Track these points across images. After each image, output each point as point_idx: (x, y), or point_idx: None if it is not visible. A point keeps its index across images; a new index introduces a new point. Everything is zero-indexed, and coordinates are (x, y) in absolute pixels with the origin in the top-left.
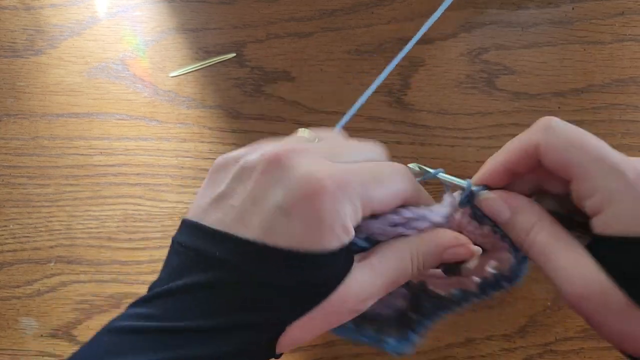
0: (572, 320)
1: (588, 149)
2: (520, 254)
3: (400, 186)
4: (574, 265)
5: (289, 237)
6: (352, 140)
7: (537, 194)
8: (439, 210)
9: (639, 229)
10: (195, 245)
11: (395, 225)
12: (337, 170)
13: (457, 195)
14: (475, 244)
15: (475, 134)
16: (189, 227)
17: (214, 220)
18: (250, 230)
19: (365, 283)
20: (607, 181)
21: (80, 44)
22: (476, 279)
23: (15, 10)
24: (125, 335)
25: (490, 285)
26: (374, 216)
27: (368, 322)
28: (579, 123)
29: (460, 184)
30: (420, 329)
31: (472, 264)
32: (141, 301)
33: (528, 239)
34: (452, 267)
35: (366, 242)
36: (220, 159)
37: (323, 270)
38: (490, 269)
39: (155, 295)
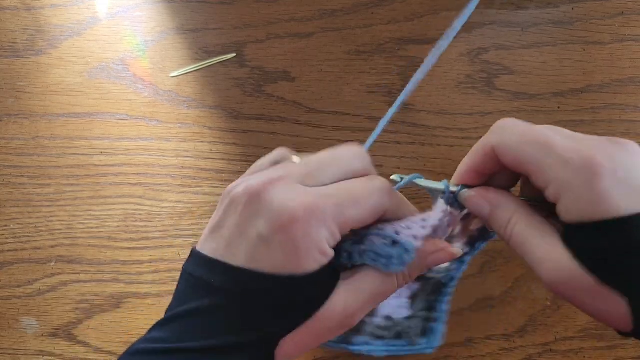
0: (571, 320)
1: (537, 143)
2: None
3: (377, 201)
4: (548, 254)
5: (271, 263)
6: (333, 152)
7: (522, 181)
8: (435, 216)
9: (594, 212)
10: (197, 273)
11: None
12: (310, 197)
13: (440, 199)
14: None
15: (475, 134)
16: (193, 256)
17: (210, 249)
18: (238, 258)
19: (349, 299)
20: (556, 172)
21: (80, 44)
22: (464, 239)
23: (16, 10)
24: (139, 356)
25: (477, 238)
26: (356, 234)
27: (386, 330)
28: (578, 123)
29: (438, 187)
30: (440, 316)
31: (456, 229)
32: (157, 325)
33: (507, 231)
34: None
35: (350, 258)
36: (226, 189)
37: (305, 290)
38: (474, 226)
39: (166, 320)
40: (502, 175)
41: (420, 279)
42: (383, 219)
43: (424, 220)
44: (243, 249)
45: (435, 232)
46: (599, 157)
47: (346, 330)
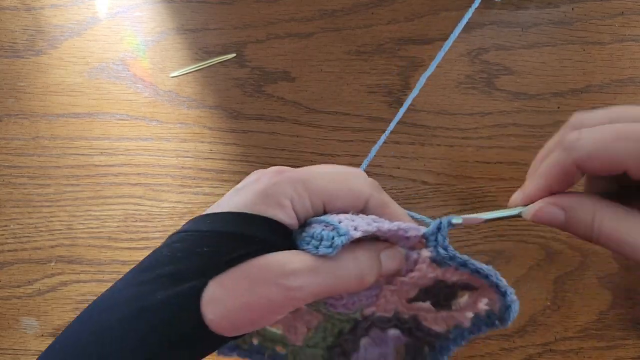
0: (571, 320)
1: (623, 139)
2: (508, 299)
3: (355, 184)
4: None
5: (236, 202)
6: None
7: (587, 180)
8: (407, 227)
9: None
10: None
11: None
12: (294, 170)
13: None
14: (456, 284)
15: (474, 134)
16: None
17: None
18: (220, 208)
19: (293, 258)
20: None
21: (80, 44)
22: (469, 314)
23: (16, 10)
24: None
25: (482, 321)
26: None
27: None
28: None
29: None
30: None
31: (463, 299)
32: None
33: (594, 232)
34: (442, 302)
35: (293, 242)
36: None
37: (252, 230)
38: (483, 305)
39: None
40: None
41: (412, 335)
42: (365, 212)
43: (377, 222)
44: (223, 201)
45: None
46: None
47: (284, 297)
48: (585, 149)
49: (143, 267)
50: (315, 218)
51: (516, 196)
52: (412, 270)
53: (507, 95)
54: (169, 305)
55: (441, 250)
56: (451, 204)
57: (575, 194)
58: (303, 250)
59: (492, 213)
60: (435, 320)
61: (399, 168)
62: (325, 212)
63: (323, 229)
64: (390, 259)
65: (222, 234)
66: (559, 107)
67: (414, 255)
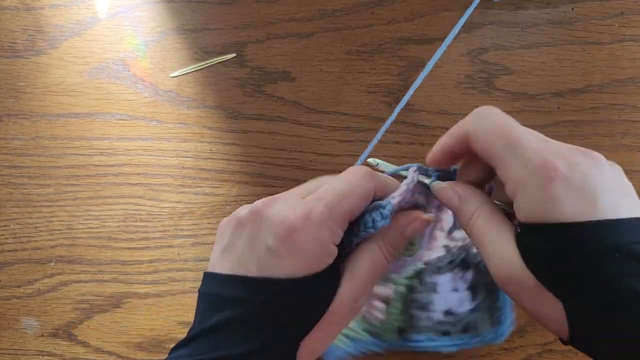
0: None
1: (506, 137)
2: None
3: (363, 188)
4: (498, 251)
5: (282, 270)
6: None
7: (496, 181)
8: (394, 193)
9: (542, 215)
10: (215, 291)
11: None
12: (305, 205)
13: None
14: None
15: None
16: (207, 278)
17: (223, 269)
18: (251, 271)
19: (352, 287)
20: (516, 169)
21: (80, 44)
22: None
23: (16, 10)
24: None
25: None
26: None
27: (451, 326)
28: (578, 123)
29: (408, 174)
30: (503, 304)
31: None
32: (180, 344)
33: (469, 224)
34: None
35: (349, 243)
36: (222, 220)
37: (318, 288)
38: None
39: (189, 339)
40: (476, 167)
41: (471, 266)
42: (376, 199)
43: (398, 195)
44: (255, 262)
45: (405, 201)
46: (558, 162)
47: (356, 314)
48: (478, 126)
49: (230, 344)
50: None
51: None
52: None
53: (506, 95)
54: None
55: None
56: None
57: (473, 189)
58: (357, 252)
59: (401, 170)
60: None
61: None
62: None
63: (369, 213)
64: (412, 230)
65: (299, 307)
66: (558, 107)
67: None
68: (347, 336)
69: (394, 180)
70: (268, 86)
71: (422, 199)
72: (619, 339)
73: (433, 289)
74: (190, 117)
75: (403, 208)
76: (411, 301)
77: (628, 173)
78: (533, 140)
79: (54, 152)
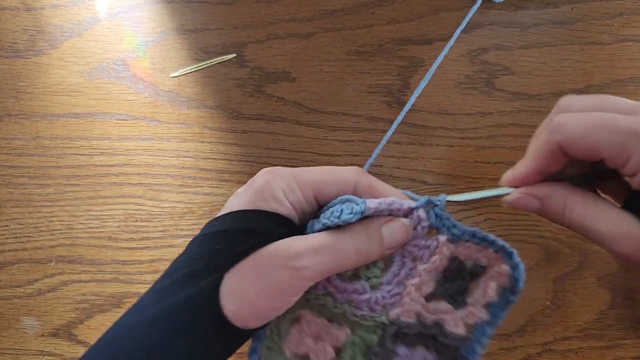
0: (571, 320)
1: (606, 127)
2: (514, 259)
3: (342, 172)
4: (616, 228)
5: (238, 203)
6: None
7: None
8: (380, 199)
9: None
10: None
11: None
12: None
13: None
14: (466, 271)
15: (474, 134)
16: None
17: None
18: (224, 210)
19: (297, 240)
20: (634, 146)
21: (81, 45)
22: (484, 300)
23: (16, 10)
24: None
25: (497, 307)
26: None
27: None
28: None
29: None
30: None
31: (475, 293)
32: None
33: (565, 219)
34: (457, 298)
35: (312, 227)
36: None
37: (256, 224)
38: (493, 290)
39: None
40: (579, 165)
41: (435, 348)
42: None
43: (379, 200)
44: (226, 204)
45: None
46: None
47: (293, 277)
48: (568, 132)
49: (166, 273)
50: (328, 205)
51: (507, 175)
52: (433, 255)
53: (506, 96)
54: (190, 302)
55: (447, 222)
56: (451, 204)
57: (549, 183)
58: (322, 228)
59: (476, 194)
60: (456, 322)
61: (398, 168)
62: (317, 202)
63: (341, 204)
64: (392, 231)
65: (229, 231)
66: None
67: (434, 243)
68: None
69: (396, 192)
70: (268, 86)
71: (418, 243)
72: None
73: (389, 358)
74: (190, 117)
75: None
76: None
77: None
78: (624, 117)
79: (55, 152)
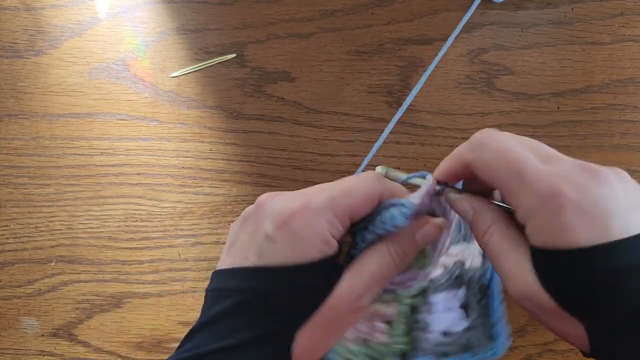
0: None
1: (509, 167)
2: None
3: (369, 187)
4: (516, 270)
5: (277, 258)
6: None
7: None
8: (414, 195)
9: (555, 241)
10: (217, 286)
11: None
12: (304, 196)
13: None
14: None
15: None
16: (213, 276)
17: (227, 263)
18: (249, 260)
19: (353, 282)
20: (524, 198)
21: (81, 45)
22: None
23: (16, 10)
24: None
25: None
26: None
27: (448, 346)
28: (578, 123)
29: (423, 184)
30: (497, 318)
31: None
32: (185, 338)
33: (484, 239)
34: (462, 238)
35: (362, 240)
36: (232, 223)
37: (313, 278)
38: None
39: (192, 331)
40: (481, 183)
41: (462, 283)
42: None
43: (417, 194)
44: (254, 251)
45: (424, 206)
46: (565, 188)
47: (357, 316)
48: (478, 155)
49: (223, 332)
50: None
51: (438, 167)
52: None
53: (506, 96)
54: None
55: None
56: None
57: (488, 202)
58: (367, 251)
59: (413, 179)
60: (471, 257)
61: (398, 168)
62: (350, 224)
63: (386, 209)
64: (425, 235)
65: (292, 294)
66: (558, 107)
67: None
68: None
69: (402, 189)
70: (268, 86)
71: (438, 207)
72: (637, 353)
73: (431, 309)
74: (190, 117)
75: (420, 213)
76: (414, 322)
77: (628, 173)
78: (536, 165)
79: (55, 152)
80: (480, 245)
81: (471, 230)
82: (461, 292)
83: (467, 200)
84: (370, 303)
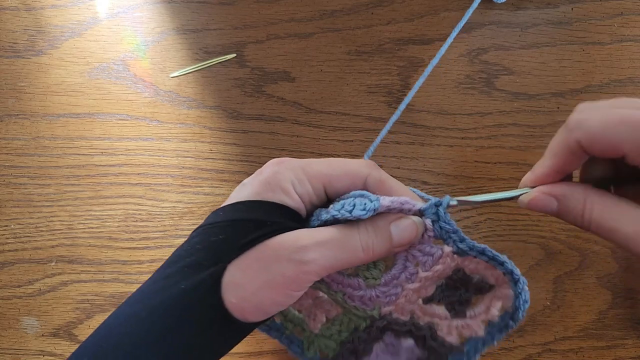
0: (571, 319)
1: (625, 124)
2: (520, 286)
3: (352, 165)
4: (638, 228)
5: (244, 194)
6: None
7: (583, 166)
8: (391, 197)
9: None
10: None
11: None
12: (293, 159)
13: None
14: (471, 284)
15: (474, 134)
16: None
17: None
18: (233, 199)
19: (302, 233)
20: None
21: (81, 45)
22: (484, 318)
23: (17, 10)
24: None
25: (496, 328)
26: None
27: None
28: None
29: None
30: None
31: (477, 308)
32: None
33: (584, 219)
34: (457, 307)
35: (319, 218)
36: None
37: (262, 215)
38: (496, 311)
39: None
40: (601, 164)
41: (427, 347)
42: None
43: (392, 198)
44: (230, 198)
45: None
46: None
47: (299, 273)
48: (587, 129)
49: (168, 263)
50: (340, 198)
51: (526, 177)
52: (437, 263)
53: (506, 96)
54: (190, 292)
55: (453, 235)
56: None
57: (568, 183)
58: (329, 219)
59: (488, 195)
60: (449, 330)
61: (398, 168)
62: (327, 195)
63: (354, 199)
64: (402, 229)
65: (234, 221)
66: (558, 107)
67: (438, 251)
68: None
69: (406, 190)
70: (268, 86)
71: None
72: None
73: (374, 343)
74: (190, 117)
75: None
76: (348, 341)
77: None
78: None
79: (55, 152)
80: (585, 228)
81: (569, 221)
82: (417, 351)
83: (546, 192)
84: (320, 270)
